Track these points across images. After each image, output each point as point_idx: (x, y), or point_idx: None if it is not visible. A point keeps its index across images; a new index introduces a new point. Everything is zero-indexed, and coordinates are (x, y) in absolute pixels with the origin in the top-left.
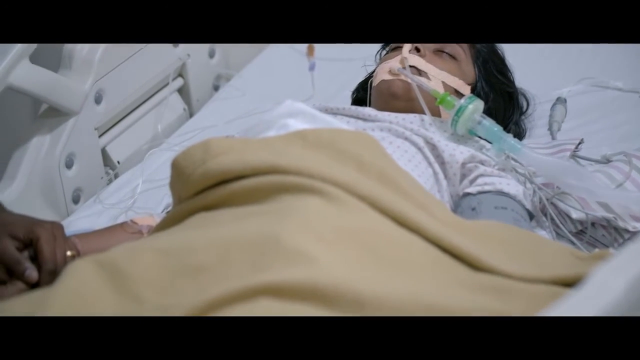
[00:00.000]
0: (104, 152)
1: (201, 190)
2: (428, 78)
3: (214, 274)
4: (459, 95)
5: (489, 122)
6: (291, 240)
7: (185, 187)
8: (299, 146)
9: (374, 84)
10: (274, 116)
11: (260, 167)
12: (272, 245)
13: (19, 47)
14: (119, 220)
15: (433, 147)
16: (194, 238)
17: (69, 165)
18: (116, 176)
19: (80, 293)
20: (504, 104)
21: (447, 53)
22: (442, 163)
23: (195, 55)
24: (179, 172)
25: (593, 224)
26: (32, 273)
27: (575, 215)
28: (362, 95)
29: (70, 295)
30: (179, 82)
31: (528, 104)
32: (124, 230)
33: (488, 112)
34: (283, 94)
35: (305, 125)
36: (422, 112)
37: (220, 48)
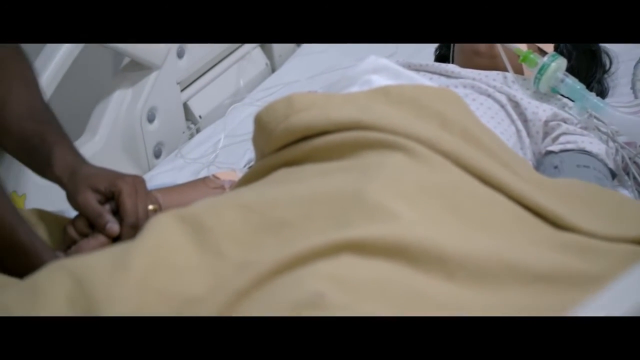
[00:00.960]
0: (185, 107)
1: (284, 145)
2: None
3: (297, 229)
4: (542, 53)
5: (571, 80)
6: (374, 196)
7: (268, 142)
8: (382, 102)
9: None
10: (357, 72)
11: (343, 122)
12: (355, 201)
13: None
14: (201, 175)
15: (516, 105)
16: (276, 193)
17: (150, 119)
18: (198, 131)
19: (162, 247)
20: (587, 62)
21: None
22: (524, 121)
23: None
24: (261, 127)
25: None
26: (113, 226)
27: None
28: (445, 52)
29: (152, 249)
30: None
31: (611, 63)
32: (205, 185)
33: (571, 70)
34: (366, 50)
35: (389, 81)
36: (505, 69)
37: None
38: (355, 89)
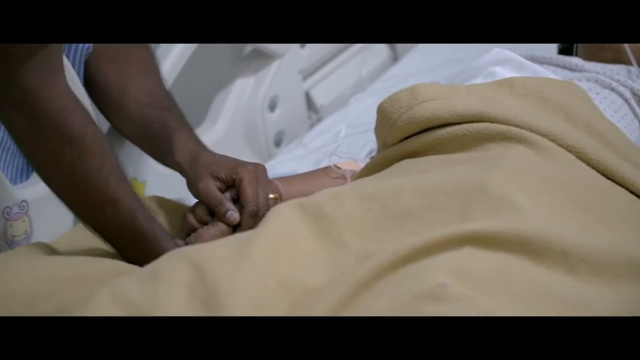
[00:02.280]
0: (307, 96)
1: (406, 136)
2: None
3: (419, 220)
4: None
5: None
6: (497, 189)
7: (390, 133)
8: (506, 94)
9: None
10: (481, 63)
11: (467, 114)
12: (478, 193)
13: None
14: (322, 165)
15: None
16: (399, 184)
17: (272, 107)
18: (319, 120)
19: (284, 237)
20: None
21: None
22: None
23: None
24: (384, 117)
25: None
26: (233, 214)
27: None
28: (568, 45)
29: (274, 238)
30: None
31: None
32: (327, 175)
33: None
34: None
35: (513, 73)
36: (629, 63)
37: None
38: (478, 80)
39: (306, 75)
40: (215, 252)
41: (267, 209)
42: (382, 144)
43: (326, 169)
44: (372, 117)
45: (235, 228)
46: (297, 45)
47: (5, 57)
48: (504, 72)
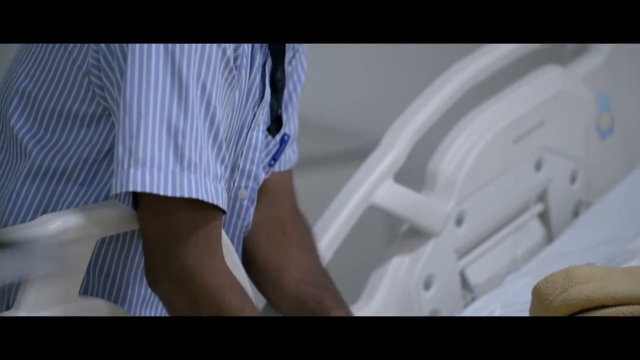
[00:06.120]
0: (462, 275)
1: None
2: None
3: None
4: None
5: None
6: None
7: (545, 314)
8: None
9: None
10: (638, 245)
11: (621, 297)
12: None
13: (384, 166)
14: None
15: None
16: None
17: (427, 286)
18: (473, 299)
19: None
20: None
21: None
22: None
23: (557, 180)
24: (540, 299)
25: None
26: None
27: None
28: None
29: None
30: (540, 207)
31: None
32: None
33: None
34: None
35: None
36: None
37: (582, 173)
38: (634, 263)
39: (461, 254)
40: None
41: None
42: None
43: None
44: (526, 297)
45: None
46: (453, 223)
47: (166, 236)
48: None
